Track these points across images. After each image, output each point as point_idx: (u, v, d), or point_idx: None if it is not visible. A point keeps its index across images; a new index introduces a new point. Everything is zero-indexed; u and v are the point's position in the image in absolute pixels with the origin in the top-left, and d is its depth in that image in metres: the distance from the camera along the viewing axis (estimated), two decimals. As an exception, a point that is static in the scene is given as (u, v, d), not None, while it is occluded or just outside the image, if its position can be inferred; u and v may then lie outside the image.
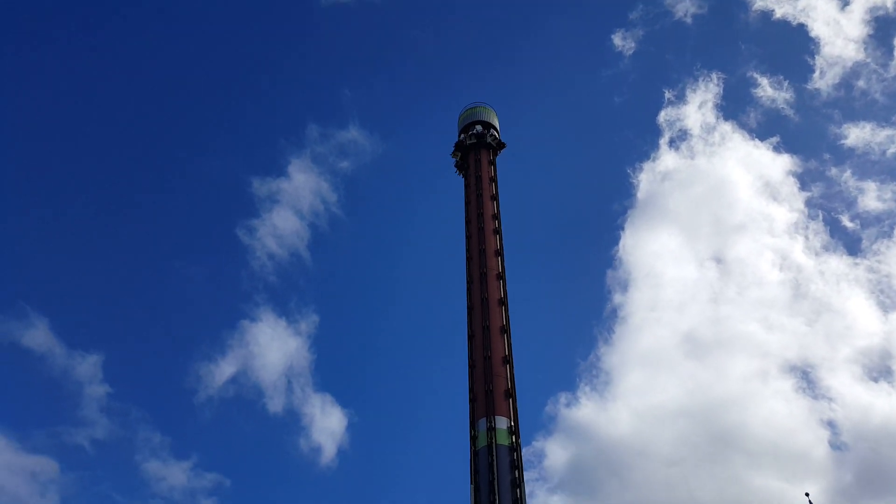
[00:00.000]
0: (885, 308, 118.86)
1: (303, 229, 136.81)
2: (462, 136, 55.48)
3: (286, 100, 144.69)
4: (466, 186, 51.92)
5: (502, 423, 41.80)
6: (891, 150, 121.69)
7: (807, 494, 10.59)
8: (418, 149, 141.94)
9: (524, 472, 41.95)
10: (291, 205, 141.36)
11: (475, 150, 53.44)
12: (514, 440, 41.47)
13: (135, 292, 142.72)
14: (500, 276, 45.93)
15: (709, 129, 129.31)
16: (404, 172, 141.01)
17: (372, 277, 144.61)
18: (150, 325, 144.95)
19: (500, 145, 54.06)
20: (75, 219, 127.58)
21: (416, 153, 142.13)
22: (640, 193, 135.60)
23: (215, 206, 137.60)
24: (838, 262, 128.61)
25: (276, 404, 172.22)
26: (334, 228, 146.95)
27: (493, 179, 51.55)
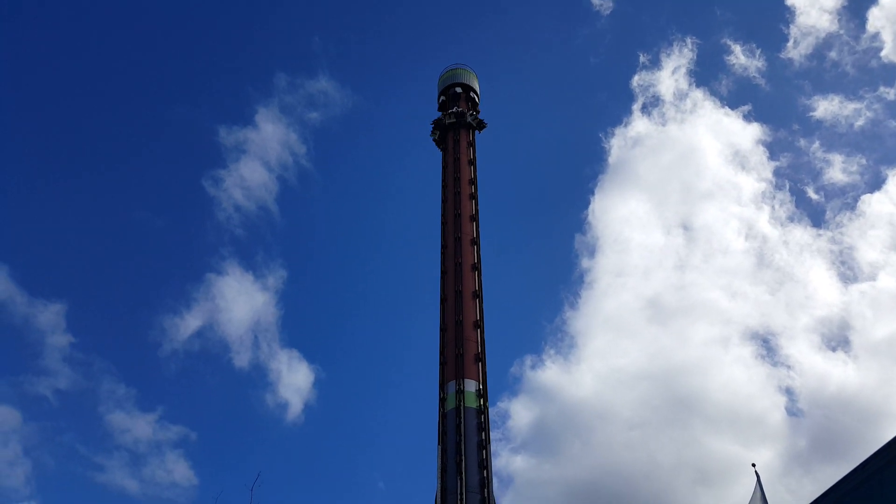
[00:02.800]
0: (845, 279, 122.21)
1: (271, 182, 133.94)
2: (442, 97, 54.81)
3: (253, 46, 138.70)
4: (444, 152, 51.59)
5: (471, 386, 42.52)
6: (858, 124, 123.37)
7: (753, 465, 11.10)
8: (391, 104, 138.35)
9: (489, 434, 43.06)
10: (259, 156, 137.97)
11: (454, 129, 52.68)
12: (481, 403, 42.31)
13: (98, 242, 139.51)
14: (475, 242, 46.07)
15: (681, 96, 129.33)
16: (376, 127, 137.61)
17: (341, 234, 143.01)
18: (114, 275, 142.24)
19: (481, 125, 53.49)
20: (35, 167, 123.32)
21: (388, 108, 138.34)
22: (612, 159, 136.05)
23: (180, 154, 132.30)
24: (802, 233, 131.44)
25: (242, 359, 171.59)
26: (303, 182, 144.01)
27: (472, 144, 51.30)
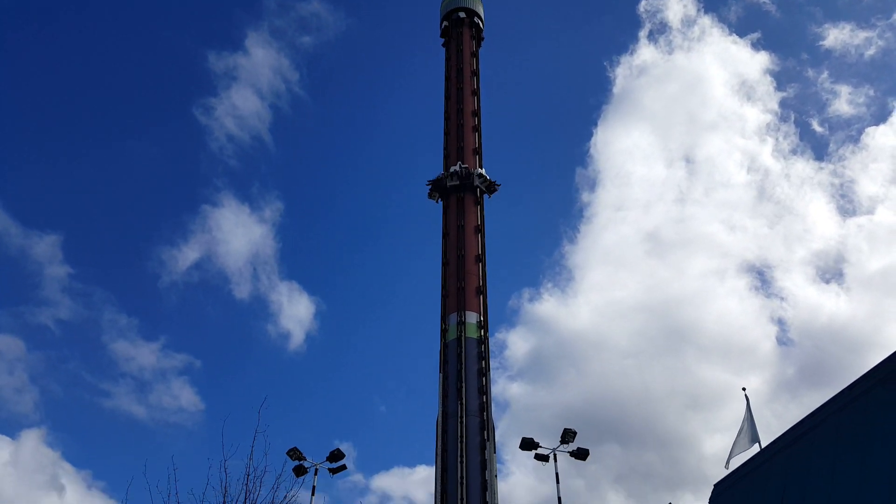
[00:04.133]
0: (843, 213, 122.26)
1: (263, 110, 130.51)
2: (444, 23, 53.60)
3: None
4: (447, 60, 50.86)
5: (472, 317, 43.41)
6: (868, 53, 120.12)
7: (743, 389, 11.69)
8: (388, 27, 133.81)
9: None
10: (250, 83, 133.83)
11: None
12: (482, 334, 43.34)
13: (90, 172, 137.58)
14: (477, 151, 46.49)
15: (689, 23, 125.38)
16: (371, 52, 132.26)
17: (338, 165, 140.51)
18: (109, 206, 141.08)
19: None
20: (23, 96, 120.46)
21: (385, 32, 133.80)
22: (616, 89, 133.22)
23: (169, 81, 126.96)
24: (804, 166, 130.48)
25: (242, 291, 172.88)
26: (297, 111, 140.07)
27: (475, 54, 50.67)
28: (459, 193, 45.01)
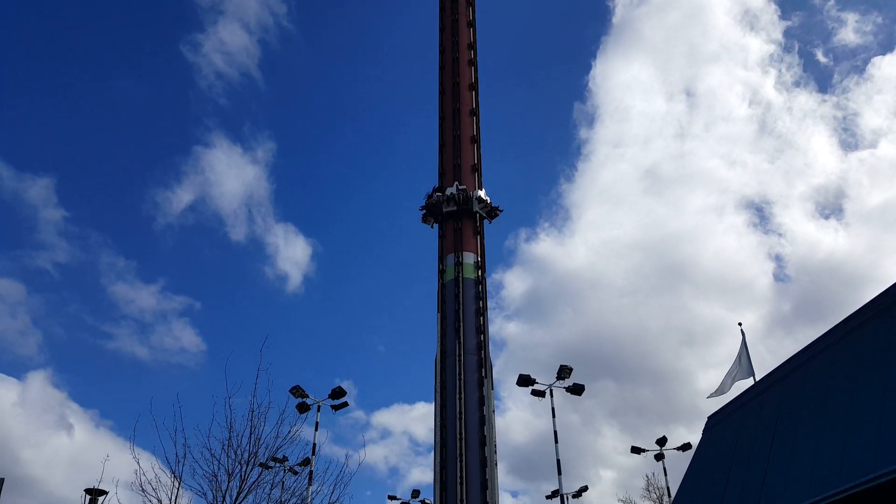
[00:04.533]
0: (845, 147, 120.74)
1: (252, 46, 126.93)
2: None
3: None
4: (441, 11, 49.50)
5: (469, 258, 43.46)
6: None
7: (739, 324, 11.74)
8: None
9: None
10: (237, 17, 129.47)
11: None
12: (479, 274, 43.45)
13: (79, 113, 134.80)
14: (474, 113, 45.43)
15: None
16: None
17: (330, 100, 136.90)
18: (100, 148, 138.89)
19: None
20: (9, 39, 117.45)
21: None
22: (616, 19, 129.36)
23: (154, 17, 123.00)
24: (807, 99, 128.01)
25: (238, 233, 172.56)
26: (286, 45, 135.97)
27: (471, 3, 49.25)
28: (456, 131, 44.35)
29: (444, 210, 43.45)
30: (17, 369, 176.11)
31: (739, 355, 12.17)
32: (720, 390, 12.27)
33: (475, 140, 44.02)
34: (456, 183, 44.24)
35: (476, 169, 43.61)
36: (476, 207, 43.70)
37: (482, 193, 44.88)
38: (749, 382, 11.74)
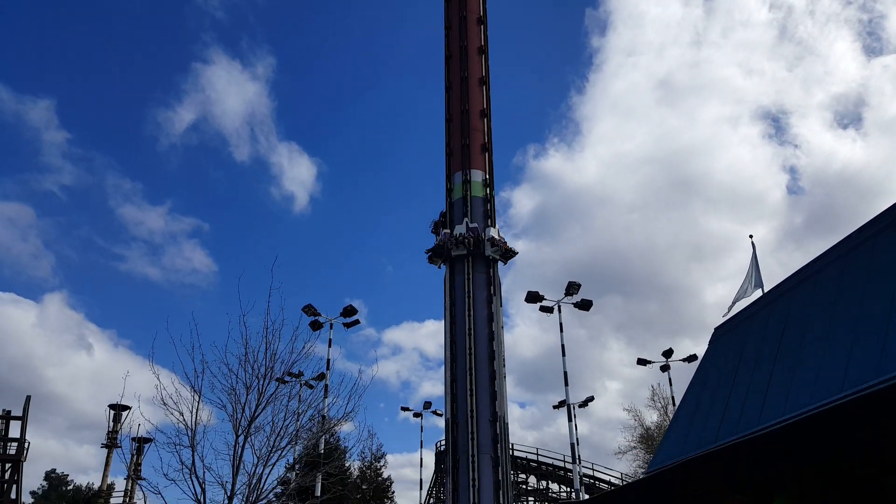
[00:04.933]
0: (869, 52, 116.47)
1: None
2: None
3: None
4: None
5: (477, 176, 43.15)
6: None
7: (750, 237, 11.74)
8: None
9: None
10: None
11: None
12: (488, 192, 43.26)
13: (76, 31, 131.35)
14: (482, 21, 44.03)
15: None
16: None
17: (329, 11, 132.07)
18: (98, 67, 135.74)
19: None
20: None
21: None
22: None
23: None
24: (830, 1, 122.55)
25: (241, 153, 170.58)
26: None
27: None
28: (463, 42, 43.01)
29: (454, 254, 42.26)
30: (34, 291, 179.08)
31: (750, 268, 12.22)
32: (731, 308, 12.41)
33: (483, 51, 42.80)
34: (466, 220, 42.88)
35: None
36: (488, 251, 42.65)
37: (495, 233, 43.16)
38: (758, 294, 11.86)
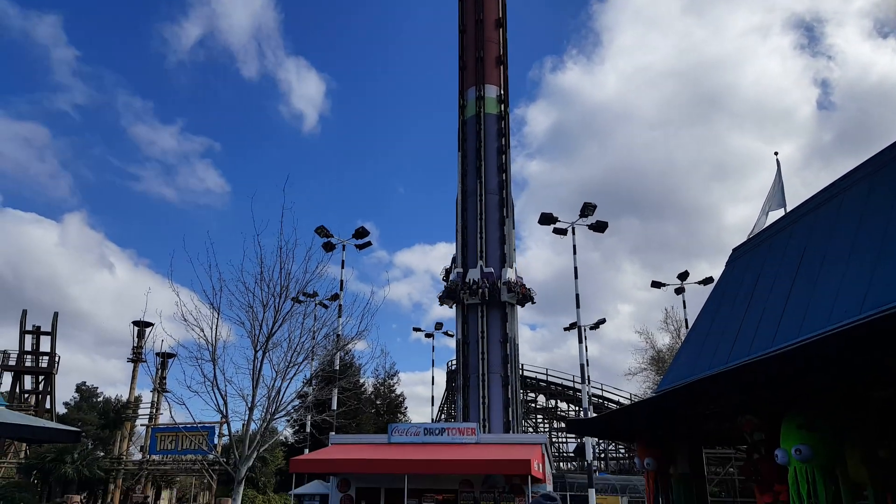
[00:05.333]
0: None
1: None
2: None
3: None
4: None
5: (491, 91, 42.07)
6: None
7: (775, 153, 11.37)
8: None
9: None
10: None
11: None
12: (502, 109, 42.26)
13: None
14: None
15: None
16: None
17: None
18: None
19: None
20: None
21: None
22: None
23: None
24: None
25: (249, 69, 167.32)
26: None
27: None
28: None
29: (467, 302, 40.98)
30: (53, 212, 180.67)
31: (773, 187, 11.87)
32: (755, 230, 12.12)
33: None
34: (481, 264, 41.42)
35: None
36: (504, 296, 41.27)
37: (512, 275, 41.51)
38: (780, 214, 11.57)
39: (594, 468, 36.74)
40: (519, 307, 42.08)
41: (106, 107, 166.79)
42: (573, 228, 37.84)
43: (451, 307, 43.42)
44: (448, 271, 43.29)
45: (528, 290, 42.28)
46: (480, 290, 39.18)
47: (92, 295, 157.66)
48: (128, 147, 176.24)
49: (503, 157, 42.63)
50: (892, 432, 7.52)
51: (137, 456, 49.79)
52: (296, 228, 30.15)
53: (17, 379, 57.03)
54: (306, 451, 36.42)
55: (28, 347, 57.14)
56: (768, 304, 10.23)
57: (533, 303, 41.90)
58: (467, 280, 40.22)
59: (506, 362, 41.18)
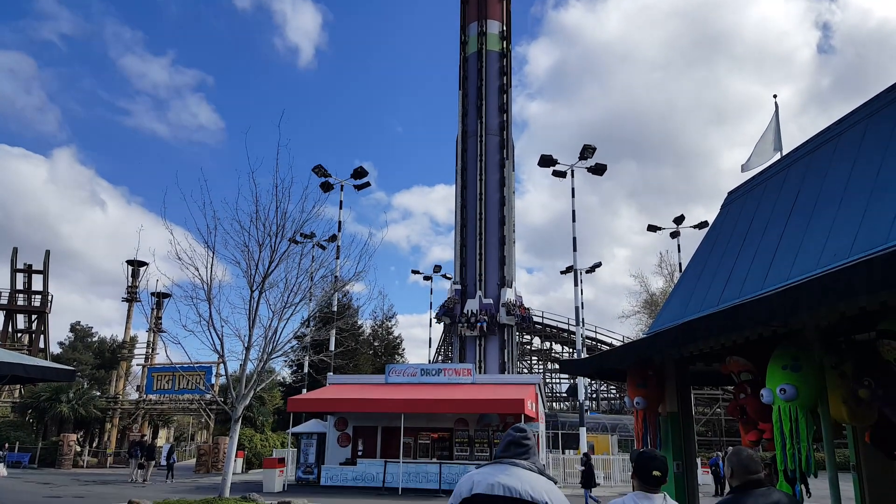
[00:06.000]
0: None
1: None
2: None
3: None
4: None
5: (494, 27, 41.15)
6: None
7: (774, 96, 11.22)
8: None
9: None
10: None
11: None
12: (504, 46, 41.41)
13: None
14: None
15: None
16: None
17: None
18: None
19: None
20: None
21: None
22: None
23: None
24: None
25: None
26: None
27: None
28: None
29: (465, 335, 40.52)
30: (42, 146, 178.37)
31: (769, 129, 11.76)
32: (747, 166, 12.06)
33: None
34: (479, 294, 40.60)
35: None
36: (504, 319, 40.72)
37: (511, 295, 40.79)
38: (776, 158, 11.50)
39: (586, 408, 37.57)
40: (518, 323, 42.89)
41: (94, 37, 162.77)
42: (572, 171, 37.67)
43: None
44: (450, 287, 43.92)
45: (528, 310, 42.90)
46: (479, 325, 39.87)
47: (84, 233, 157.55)
48: (117, 80, 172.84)
49: (504, 96, 42.02)
50: (871, 374, 7.67)
51: (134, 396, 50.58)
52: (292, 167, 29.95)
53: (10, 318, 57.18)
54: (304, 390, 37.13)
55: (20, 286, 56.94)
56: (761, 246, 10.27)
57: (534, 326, 43.02)
58: (465, 311, 40.44)
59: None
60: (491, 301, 40.30)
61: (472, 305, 39.73)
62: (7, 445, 39.22)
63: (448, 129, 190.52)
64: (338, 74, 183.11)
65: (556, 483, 3.60)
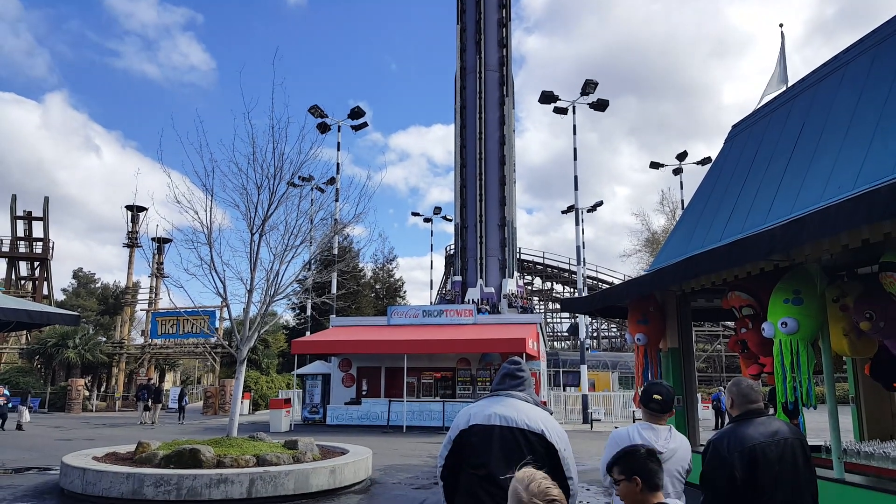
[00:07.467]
0: None
1: None
2: None
3: None
4: None
5: (490, -40, 39.93)
6: None
7: (780, 25, 10.92)
8: None
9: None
10: None
11: None
12: (501, -19, 40.29)
13: None
14: None
15: None
16: None
17: None
18: None
19: None
20: None
21: None
22: None
23: None
24: None
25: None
26: None
27: None
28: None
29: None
30: (33, 91, 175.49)
31: (778, 62, 11.43)
32: (763, 98, 11.79)
33: None
34: (480, 283, 38.83)
35: None
36: (505, 311, 38.82)
37: (513, 286, 39.11)
38: (782, 90, 11.23)
39: (587, 346, 38.01)
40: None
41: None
42: (573, 107, 37.05)
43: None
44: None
45: (530, 301, 42.59)
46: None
47: (81, 179, 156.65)
48: (104, 20, 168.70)
49: (504, 30, 41.06)
50: (873, 306, 7.67)
51: (139, 340, 51.16)
52: (287, 106, 29.47)
53: (12, 265, 57.33)
54: (307, 333, 37.55)
55: (20, 233, 56.90)
56: (764, 181, 10.15)
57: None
58: (466, 302, 40.14)
59: (503, 245, 41.63)
60: (492, 290, 40.21)
61: (472, 295, 39.71)
62: (30, 392, 39.92)
63: (444, 66, 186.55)
64: (329, 11, 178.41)
65: (551, 414, 3.63)
